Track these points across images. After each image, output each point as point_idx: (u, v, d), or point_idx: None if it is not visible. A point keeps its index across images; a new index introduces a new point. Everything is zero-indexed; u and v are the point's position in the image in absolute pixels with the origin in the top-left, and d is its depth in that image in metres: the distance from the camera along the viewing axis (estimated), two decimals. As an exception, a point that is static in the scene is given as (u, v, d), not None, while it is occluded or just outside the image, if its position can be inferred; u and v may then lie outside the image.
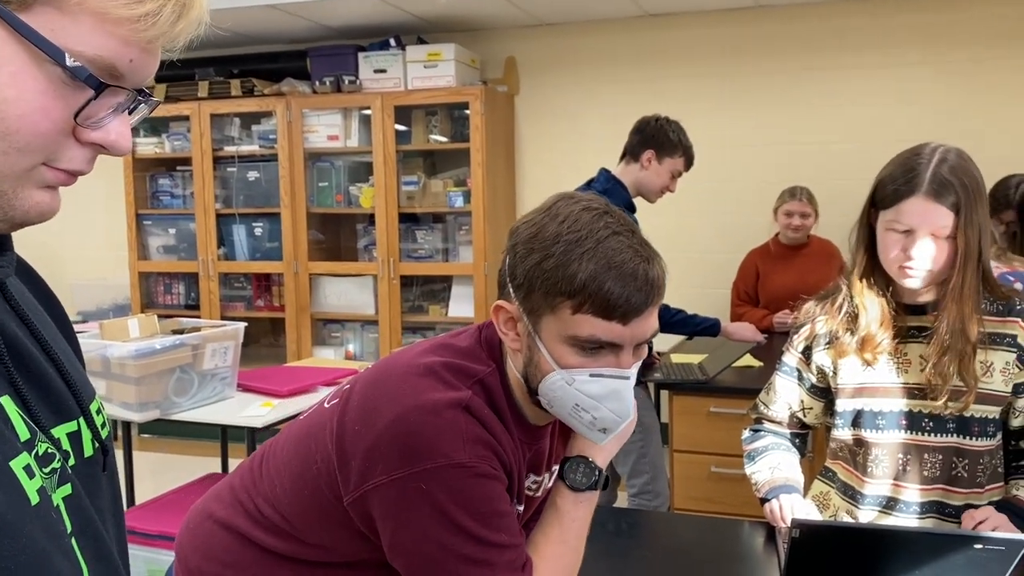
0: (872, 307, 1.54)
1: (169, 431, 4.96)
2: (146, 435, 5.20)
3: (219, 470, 3.71)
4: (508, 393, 1.16)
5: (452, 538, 1.04)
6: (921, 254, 1.45)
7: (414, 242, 4.94)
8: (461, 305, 4.89)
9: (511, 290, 1.12)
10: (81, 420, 0.69)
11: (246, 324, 3.37)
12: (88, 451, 0.70)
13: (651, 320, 1.09)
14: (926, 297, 1.55)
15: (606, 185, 3.01)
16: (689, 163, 3.07)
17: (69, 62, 0.58)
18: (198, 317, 4.78)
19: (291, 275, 4.97)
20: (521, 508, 1.21)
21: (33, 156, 0.60)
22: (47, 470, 0.62)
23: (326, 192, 4.97)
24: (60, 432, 0.67)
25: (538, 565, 1.13)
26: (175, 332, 3.24)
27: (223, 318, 4.96)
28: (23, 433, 0.60)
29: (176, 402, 3.05)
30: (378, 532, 1.10)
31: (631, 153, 3.06)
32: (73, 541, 0.63)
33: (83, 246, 5.44)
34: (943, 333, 1.48)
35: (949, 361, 1.47)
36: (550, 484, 1.25)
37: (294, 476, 1.18)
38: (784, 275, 3.77)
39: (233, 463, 3.97)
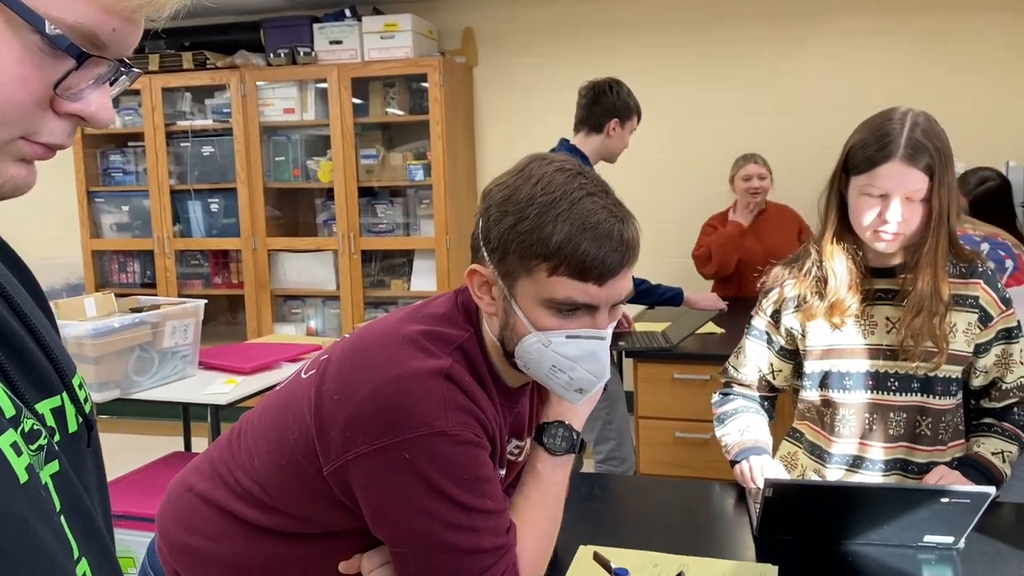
0: (841, 271, 1.57)
1: (128, 411, 4.87)
2: (104, 416, 5.12)
3: (182, 449, 3.66)
4: (486, 357, 1.16)
5: (437, 506, 1.04)
6: (896, 218, 1.47)
7: (374, 216, 4.89)
8: (423, 279, 4.86)
9: (485, 254, 1.11)
10: (64, 395, 0.67)
11: (206, 302, 3.31)
12: (72, 427, 0.68)
13: (626, 281, 1.10)
14: (894, 260, 1.58)
15: (569, 156, 3.01)
16: (640, 119, 3.15)
17: (49, 29, 0.56)
18: (155, 295, 4.68)
19: (249, 251, 4.90)
20: (503, 473, 1.22)
21: (10, 128, 0.58)
22: (34, 447, 0.60)
23: (283, 167, 4.90)
24: (44, 408, 0.65)
25: (521, 528, 1.14)
26: (133, 310, 3.18)
27: (180, 296, 4.87)
28: (8, 410, 0.58)
29: (136, 381, 3.00)
30: (358, 502, 1.10)
31: (591, 125, 3.07)
32: (62, 519, 0.61)
33: (32, 225, 5.29)
34: (918, 295, 1.51)
35: (923, 322, 1.51)
36: (530, 449, 1.26)
37: (272, 448, 1.17)
38: (746, 242, 3.81)
39: (196, 442, 3.92)
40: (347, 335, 1.24)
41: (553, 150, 3.11)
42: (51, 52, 0.57)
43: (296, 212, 5.21)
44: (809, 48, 4.35)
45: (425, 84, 4.59)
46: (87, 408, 0.71)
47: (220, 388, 3.06)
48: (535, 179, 1.08)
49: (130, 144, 5.01)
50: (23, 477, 0.56)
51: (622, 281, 1.09)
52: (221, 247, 5.01)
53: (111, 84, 0.63)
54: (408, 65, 4.55)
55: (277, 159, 4.88)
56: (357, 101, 4.68)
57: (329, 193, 4.86)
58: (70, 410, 0.68)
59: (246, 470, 1.19)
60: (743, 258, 3.79)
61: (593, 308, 1.09)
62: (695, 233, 4.02)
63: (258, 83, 4.72)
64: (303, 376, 1.21)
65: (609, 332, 1.13)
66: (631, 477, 2.82)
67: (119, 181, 5.04)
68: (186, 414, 3.69)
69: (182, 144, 4.88)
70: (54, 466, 0.62)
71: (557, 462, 1.22)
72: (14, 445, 0.56)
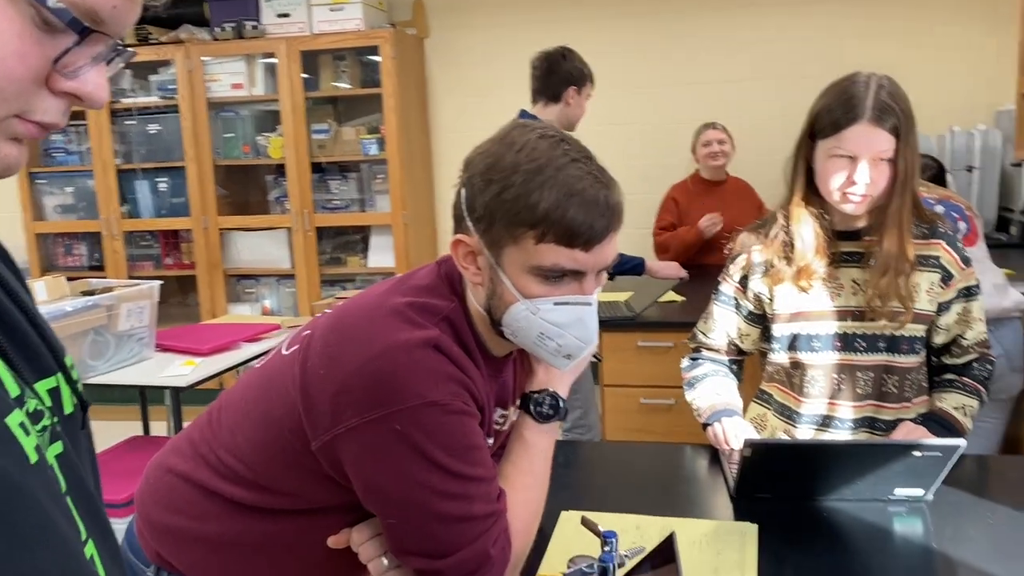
0: (808, 236, 1.60)
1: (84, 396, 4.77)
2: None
3: (140, 433, 3.60)
4: (472, 327, 1.16)
5: (430, 475, 1.04)
6: (864, 179, 1.50)
7: (328, 192, 4.82)
8: (381, 255, 4.82)
9: (470, 223, 1.10)
10: (60, 376, 0.66)
11: (161, 283, 3.24)
12: (68, 408, 0.67)
13: (612, 246, 1.10)
14: (859, 223, 1.61)
15: None
16: (593, 84, 3.15)
17: (51, 3, 0.54)
18: (104, 278, 4.57)
19: (200, 231, 4.80)
20: (491, 442, 1.22)
21: (6, 106, 0.56)
22: (39, 427, 0.58)
23: (232, 143, 4.79)
24: (41, 389, 0.63)
25: (511, 495, 1.15)
26: (85, 293, 3.10)
27: (131, 278, 4.76)
28: (13, 389, 0.57)
29: (92, 365, 2.93)
30: (348, 476, 1.09)
31: (548, 95, 3.07)
32: (68, 500, 0.60)
33: (-32, 209, 5.11)
34: (885, 255, 1.54)
35: (890, 281, 1.54)
36: (515, 417, 1.26)
37: (255, 425, 1.15)
38: (704, 211, 3.85)
39: (155, 426, 3.86)
40: (328, 310, 1.22)
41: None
42: (51, 27, 0.55)
43: (247, 190, 5.11)
44: (761, 15, 4.39)
45: (376, 57, 4.52)
46: (80, 389, 0.69)
47: (179, 370, 3.01)
48: (518, 146, 1.06)
49: (72, 123, 4.85)
50: (33, 458, 0.55)
51: (608, 247, 1.09)
52: (171, 227, 4.89)
53: (107, 64, 0.61)
54: (358, 37, 4.47)
55: (226, 136, 4.77)
56: (307, 75, 4.59)
57: (281, 169, 4.77)
58: (65, 391, 0.67)
59: (229, 448, 1.17)
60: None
61: (580, 274, 1.09)
62: (656, 202, 4.05)
63: (203, 58, 4.59)
64: (285, 352, 1.19)
65: (595, 297, 1.13)
66: (606, 443, 2.86)
67: (61, 161, 4.88)
68: (143, 398, 3.63)
69: (127, 122, 4.75)
70: (58, 447, 0.61)
71: (543, 429, 1.23)
72: (22, 425, 0.55)
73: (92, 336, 2.93)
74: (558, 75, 3.04)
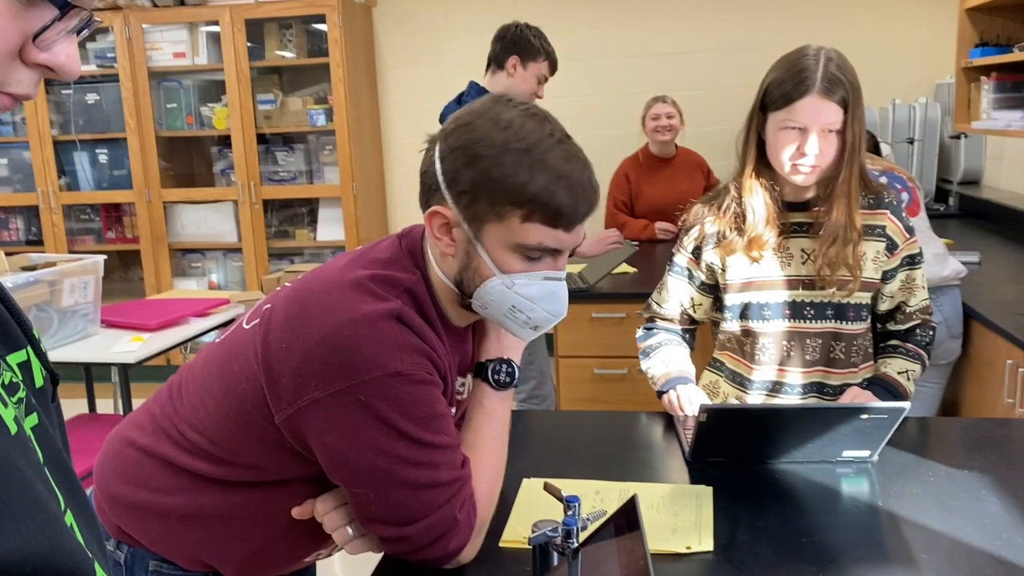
0: (759, 207, 1.63)
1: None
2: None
3: (86, 411, 3.53)
4: (434, 299, 1.17)
5: (395, 444, 1.05)
6: (814, 150, 1.53)
7: (275, 164, 4.74)
8: (330, 228, 4.77)
9: (448, 196, 1.10)
10: (30, 349, 0.65)
11: (105, 258, 3.17)
12: (39, 382, 0.66)
13: (584, 225, 1.14)
14: (808, 194, 1.65)
15: (475, 97, 2.98)
16: (553, 67, 3.08)
17: None
18: (43, 253, 4.44)
19: (143, 204, 4.69)
20: (454, 411, 1.23)
21: None
22: (15, 399, 0.58)
23: (175, 114, 4.68)
24: (12, 362, 0.63)
25: (475, 461, 1.17)
26: (25, 269, 3.01)
27: (71, 252, 4.65)
28: None
29: (36, 343, 2.85)
30: (311, 448, 1.09)
31: (496, 62, 3.04)
32: (46, 471, 0.60)
33: None
34: (834, 225, 1.58)
35: (838, 251, 1.59)
36: (471, 385, 1.28)
37: (217, 400, 1.15)
38: (656, 186, 3.89)
39: (101, 403, 3.79)
40: (287, 283, 1.22)
41: (463, 94, 3.07)
42: (29, 2, 0.55)
43: (191, 162, 5.00)
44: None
45: (323, 26, 4.44)
46: (49, 363, 0.69)
47: (126, 347, 2.95)
48: (504, 124, 1.07)
49: (4, 92, 4.68)
50: (12, 429, 0.55)
51: (582, 226, 1.13)
52: (112, 200, 4.77)
53: (76, 34, 0.61)
54: (305, 6, 4.39)
55: (169, 106, 4.66)
56: (251, 44, 4.49)
57: (226, 141, 4.68)
58: (36, 365, 0.66)
59: (191, 423, 1.16)
60: (656, 204, 3.87)
61: (557, 252, 1.12)
62: (607, 174, 4.07)
63: (144, 26, 4.46)
64: (245, 327, 1.18)
65: (564, 272, 1.17)
66: (562, 412, 2.89)
67: (-6, 131, 4.72)
68: (88, 375, 3.55)
69: (63, 91, 4.60)
70: (34, 419, 0.61)
71: (501, 396, 1.26)
72: (0, 397, 0.54)
73: (34, 312, 2.85)
74: (503, 42, 3.01)
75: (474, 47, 4.61)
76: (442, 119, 3.05)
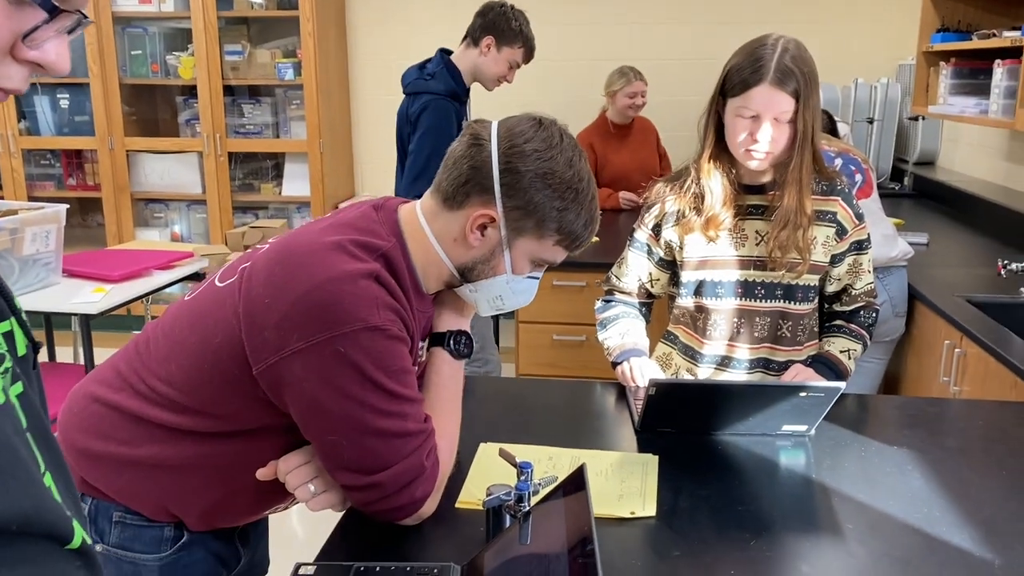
0: (717, 189, 1.69)
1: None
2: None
3: (46, 359, 3.52)
4: (409, 266, 1.24)
5: (369, 394, 1.12)
6: (766, 137, 1.60)
7: (241, 117, 4.70)
8: (295, 183, 4.76)
9: (502, 203, 1.21)
10: (13, 320, 0.69)
11: (67, 207, 3.14)
12: (21, 350, 0.69)
13: None
14: (765, 178, 1.72)
15: (435, 69, 2.99)
16: (529, 55, 3.07)
17: None
18: (2, 198, 4.38)
19: (106, 151, 4.63)
20: (417, 368, 1.30)
21: None
22: (1, 369, 0.62)
23: (140, 61, 4.60)
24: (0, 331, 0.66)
25: (437, 421, 1.26)
26: (-15, 216, 2.98)
27: (31, 199, 4.59)
28: None
29: (-5, 291, 2.84)
30: (284, 400, 1.15)
31: (471, 37, 3.03)
32: (28, 436, 0.64)
33: None
34: (785, 209, 1.65)
35: (789, 234, 1.66)
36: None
37: (190, 352, 1.20)
38: (620, 154, 3.94)
39: (61, 352, 3.78)
40: (264, 244, 1.27)
41: (427, 60, 3.07)
42: (19, 3, 0.58)
43: (155, 110, 4.93)
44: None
45: (294, -23, 4.38)
46: (31, 331, 0.72)
47: (88, 297, 2.95)
48: (567, 160, 1.22)
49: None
50: (0, 399, 0.58)
51: None
52: (74, 146, 4.70)
53: (68, 34, 0.64)
54: (276, -44, 4.32)
55: (133, 53, 4.58)
56: (220, -7, 4.42)
57: (191, 91, 4.62)
58: (19, 334, 0.69)
59: (160, 376, 1.21)
60: (620, 172, 3.93)
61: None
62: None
63: (109, -31, 4.36)
64: (219, 284, 1.24)
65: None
66: (519, 380, 2.96)
67: (-49, 72, 4.60)
68: (48, 324, 3.54)
69: (24, 33, 4.48)
70: (19, 387, 0.64)
71: (458, 365, 1.36)
72: None
73: (-5, 260, 2.84)
74: (483, 19, 3.00)
75: (446, 8, 4.60)
76: (403, 83, 3.05)
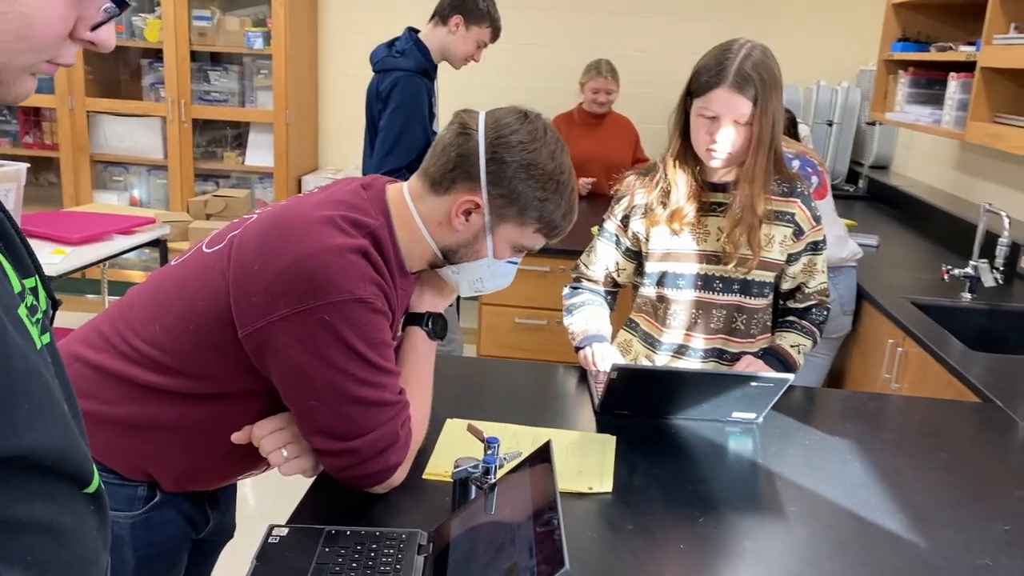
0: (682, 184, 1.77)
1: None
2: None
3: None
4: (394, 245, 1.30)
5: (351, 363, 1.18)
6: (724, 138, 1.67)
7: (207, 83, 4.66)
8: (259, 153, 4.73)
9: (487, 192, 1.27)
10: (37, 277, 0.73)
11: (28, 166, 3.11)
12: (43, 305, 0.73)
13: None
14: (727, 177, 1.79)
15: (405, 47, 3.02)
16: (495, 35, 3.12)
17: None
18: (-44, 153, 4.29)
19: (66, 111, 4.55)
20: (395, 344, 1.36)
21: (43, 54, 0.65)
22: (34, 319, 0.66)
23: (105, 20, 4.52)
24: (26, 286, 0.70)
25: (412, 395, 1.32)
26: (-56, 171, 2.94)
27: (-14, 155, 4.49)
28: (16, 287, 0.65)
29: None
30: (266, 364, 1.20)
31: (440, 15, 3.06)
32: (56, 382, 0.69)
33: None
34: (736, 208, 1.73)
35: (740, 232, 1.74)
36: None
37: (176, 316, 1.23)
38: (586, 141, 4.01)
39: (15, 313, 3.73)
40: (252, 214, 1.31)
41: (396, 38, 3.09)
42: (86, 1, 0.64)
43: (118, 72, 4.85)
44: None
45: (267, -55, 4.34)
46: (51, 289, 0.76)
47: (48, 258, 2.93)
48: (549, 152, 1.29)
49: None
50: (39, 344, 0.65)
51: None
52: (32, 104, 4.60)
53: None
54: (250, -77, 4.27)
55: (99, 12, 4.49)
56: (191, -44, 4.36)
57: (157, 54, 4.56)
58: (41, 290, 0.73)
59: (144, 338, 1.24)
60: (581, 158, 4.00)
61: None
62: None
63: (77, -76, 4.27)
64: (206, 250, 1.28)
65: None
66: (486, 360, 3.02)
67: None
68: (4, 284, 3.49)
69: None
70: (47, 337, 0.69)
71: (432, 344, 1.42)
72: (28, 316, 0.63)
73: (-47, 217, 2.80)
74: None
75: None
76: (372, 60, 3.08)
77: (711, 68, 1.67)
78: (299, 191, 4.72)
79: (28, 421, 0.60)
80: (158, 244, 3.61)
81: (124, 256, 3.65)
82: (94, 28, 0.67)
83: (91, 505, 0.73)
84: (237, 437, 1.27)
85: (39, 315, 0.68)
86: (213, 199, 3.82)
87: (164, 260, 3.71)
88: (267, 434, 1.27)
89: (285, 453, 1.27)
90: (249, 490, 3.03)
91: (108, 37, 0.69)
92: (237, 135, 4.85)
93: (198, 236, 3.65)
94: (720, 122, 1.67)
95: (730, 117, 1.66)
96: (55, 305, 0.76)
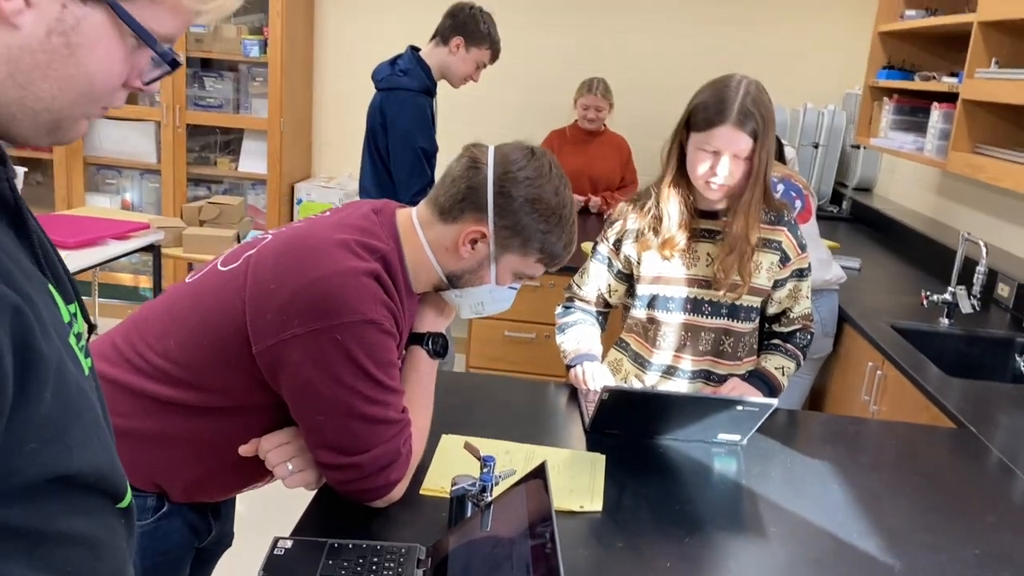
0: (674, 212, 1.83)
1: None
2: None
3: None
4: (403, 268, 1.36)
5: (359, 381, 1.23)
6: (724, 171, 1.74)
7: (202, 89, 4.69)
8: (253, 160, 4.77)
9: (493, 223, 1.34)
10: (77, 303, 0.78)
11: (26, 170, 3.13)
12: (82, 329, 0.78)
13: None
14: (719, 205, 1.86)
15: (408, 66, 3.08)
16: (495, 56, 3.19)
17: (159, 49, 0.70)
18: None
19: (61, 113, 4.56)
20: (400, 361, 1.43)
21: (99, 104, 0.71)
22: (80, 345, 0.71)
23: (102, 24, 4.54)
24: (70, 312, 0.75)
25: (414, 413, 1.37)
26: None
27: (-20, 155, 4.50)
28: (65, 315, 0.70)
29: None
30: (279, 379, 1.25)
31: (441, 36, 3.12)
32: (99, 406, 0.74)
33: None
34: (731, 237, 1.80)
35: (732, 260, 1.80)
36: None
37: (191, 330, 1.29)
38: (576, 158, 4.08)
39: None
40: (267, 235, 1.37)
41: (398, 56, 3.15)
42: (139, 49, 0.70)
43: (114, 75, 4.87)
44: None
45: (266, -46, 4.39)
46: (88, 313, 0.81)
47: (44, 262, 2.95)
48: (553, 188, 1.37)
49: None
50: (86, 370, 0.70)
51: None
52: (27, 105, 4.61)
53: None
54: (250, -67, 4.32)
55: (96, 16, 4.51)
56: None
57: (153, 59, 4.58)
58: (79, 316, 0.78)
59: (158, 352, 1.29)
60: (569, 172, 4.07)
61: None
62: (530, 140, 4.22)
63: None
64: (221, 268, 1.34)
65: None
66: (479, 375, 3.06)
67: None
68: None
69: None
70: (89, 361, 0.74)
71: (433, 363, 1.48)
72: (77, 343, 0.69)
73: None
74: (453, 20, 3.10)
75: (416, 3, 4.66)
76: (376, 78, 3.13)
77: (711, 106, 1.73)
78: (292, 198, 4.76)
79: (80, 443, 0.66)
80: (152, 249, 3.65)
81: (122, 261, 3.68)
82: (148, 83, 0.73)
83: (122, 519, 0.78)
84: (245, 449, 1.32)
85: (83, 342, 0.73)
86: (207, 206, 3.85)
87: (158, 266, 3.74)
88: (273, 447, 1.32)
89: (290, 467, 1.32)
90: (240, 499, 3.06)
91: (153, 85, 0.75)
92: (229, 141, 4.88)
93: (192, 243, 3.69)
94: (720, 156, 1.74)
95: (731, 152, 1.73)
96: (91, 328, 0.81)
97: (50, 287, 0.69)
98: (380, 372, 1.25)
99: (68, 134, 0.71)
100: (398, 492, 1.34)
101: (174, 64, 0.72)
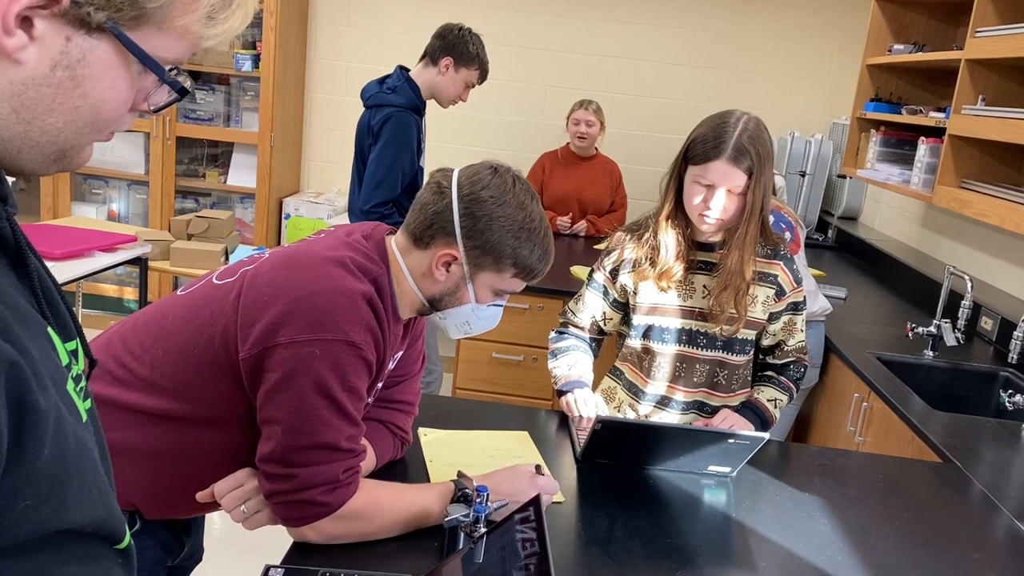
0: (671, 244, 1.84)
1: None
2: None
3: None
4: (392, 292, 1.38)
5: (321, 403, 1.24)
6: (718, 205, 1.75)
7: (193, 101, 4.68)
8: (242, 174, 4.76)
9: (461, 242, 1.36)
10: (78, 339, 0.77)
11: (13, 180, 3.11)
12: (81, 366, 0.78)
13: None
14: (715, 238, 1.87)
15: (397, 83, 3.10)
16: (483, 77, 3.23)
17: (167, 79, 0.69)
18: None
19: (49, 122, 4.53)
20: (380, 385, 1.45)
21: (105, 130, 0.71)
22: (79, 388, 0.70)
23: (94, 34, 4.53)
24: (68, 349, 0.74)
25: (376, 492, 1.36)
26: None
27: (-34, 162, 4.46)
28: (64, 359, 0.68)
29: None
30: (258, 386, 1.26)
31: (430, 56, 3.15)
32: (96, 451, 0.73)
33: None
34: (726, 272, 1.81)
35: (727, 296, 1.82)
36: None
37: (183, 339, 1.30)
38: (566, 181, 4.10)
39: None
40: (264, 254, 1.38)
41: (387, 75, 3.17)
42: (145, 75, 0.69)
43: (104, 85, 4.85)
44: (644, 3, 4.63)
45: (262, -29, 4.39)
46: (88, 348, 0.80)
47: (30, 274, 2.93)
48: (518, 203, 1.37)
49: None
50: (84, 418, 0.69)
51: None
52: (15, 113, 4.58)
53: None
54: (246, -52, 4.32)
55: (88, 26, 4.50)
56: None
57: (145, 71, 4.57)
58: (80, 353, 0.77)
59: (143, 361, 1.31)
60: (560, 196, 4.12)
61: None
62: (524, 161, 4.24)
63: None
64: (216, 282, 1.35)
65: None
66: (469, 401, 3.05)
67: None
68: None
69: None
70: (88, 403, 0.73)
71: (440, 517, 1.42)
72: (75, 389, 0.68)
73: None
74: (443, 41, 3.13)
75: (407, 21, 4.69)
76: (364, 96, 3.15)
77: (709, 140, 1.75)
78: (280, 213, 4.75)
79: (77, 498, 0.65)
80: (139, 263, 3.62)
81: (108, 273, 3.65)
82: (156, 111, 0.73)
83: (119, 559, 0.77)
84: (201, 496, 1.34)
85: (84, 382, 0.72)
86: (196, 219, 3.83)
87: (144, 278, 3.72)
88: (227, 492, 1.33)
89: (244, 509, 1.32)
90: (231, 524, 3.04)
91: (159, 107, 0.75)
92: (218, 154, 4.87)
93: (180, 257, 3.67)
94: (715, 190, 1.75)
95: (725, 186, 1.75)
96: (92, 364, 0.80)
97: (49, 330, 0.68)
98: (343, 396, 1.26)
99: (74, 161, 0.71)
100: (331, 529, 1.29)
101: (183, 92, 0.72)
